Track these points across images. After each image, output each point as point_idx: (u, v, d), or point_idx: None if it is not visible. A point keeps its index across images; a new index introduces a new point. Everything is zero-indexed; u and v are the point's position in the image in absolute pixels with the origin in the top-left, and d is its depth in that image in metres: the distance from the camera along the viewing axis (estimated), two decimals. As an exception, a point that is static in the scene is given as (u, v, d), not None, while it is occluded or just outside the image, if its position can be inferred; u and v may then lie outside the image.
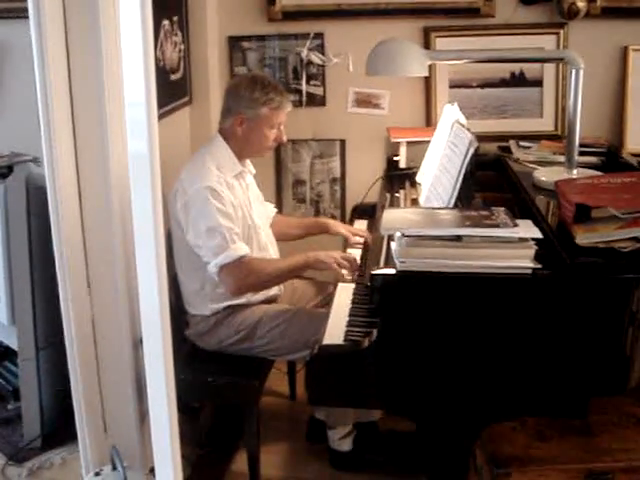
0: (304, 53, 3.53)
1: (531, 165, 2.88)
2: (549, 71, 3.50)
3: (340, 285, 2.57)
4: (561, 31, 3.41)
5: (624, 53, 3.43)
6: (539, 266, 1.93)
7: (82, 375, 2.29)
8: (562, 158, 2.68)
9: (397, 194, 3.08)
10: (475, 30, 3.44)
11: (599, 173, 2.54)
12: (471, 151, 2.33)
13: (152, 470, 1.95)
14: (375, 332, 2.02)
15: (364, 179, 3.43)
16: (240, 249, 2.56)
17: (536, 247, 1.93)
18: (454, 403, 2.06)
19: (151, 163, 1.61)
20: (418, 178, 3.06)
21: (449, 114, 2.90)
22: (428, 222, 2.09)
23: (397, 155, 3.43)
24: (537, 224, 2.04)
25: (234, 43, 3.58)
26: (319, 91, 3.60)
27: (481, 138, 2.43)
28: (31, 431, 2.57)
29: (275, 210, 3.13)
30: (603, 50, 3.43)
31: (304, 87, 3.59)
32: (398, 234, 2.00)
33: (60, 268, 2.17)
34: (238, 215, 2.65)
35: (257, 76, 2.81)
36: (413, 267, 1.97)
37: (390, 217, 2.16)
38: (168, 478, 1.78)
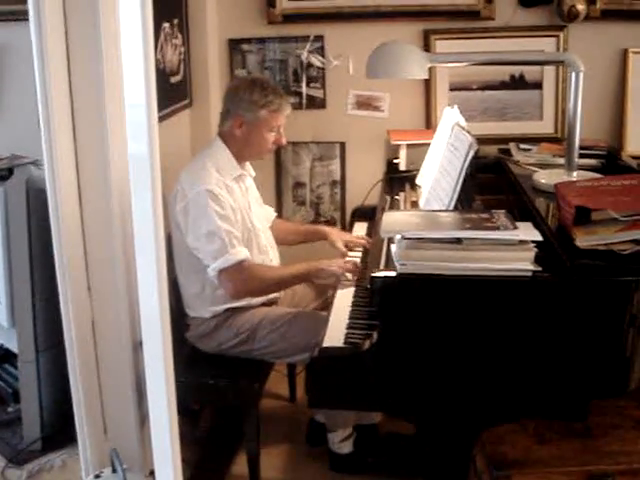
0: (304, 56, 3.53)
1: (531, 167, 2.88)
2: (549, 74, 3.50)
3: (339, 291, 2.57)
4: (561, 34, 3.42)
5: (624, 56, 3.43)
6: (539, 268, 1.93)
7: (82, 377, 2.29)
8: (562, 160, 2.69)
9: (397, 197, 3.08)
10: (475, 33, 3.45)
11: (599, 175, 2.54)
12: (471, 153, 2.34)
13: (152, 472, 1.95)
14: (375, 335, 2.02)
15: (364, 182, 3.44)
16: (239, 253, 2.56)
17: (536, 249, 1.93)
18: (454, 405, 2.06)
19: (151, 165, 1.61)
20: (418, 181, 3.06)
21: (449, 117, 2.90)
22: (428, 225, 2.09)
23: (397, 158, 3.44)
24: (537, 226, 2.04)
25: (234, 46, 3.58)
26: (319, 93, 3.61)
27: (481, 141, 2.44)
28: (31, 433, 2.57)
29: (275, 214, 3.13)
30: (603, 53, 3.43)
31: (304, 89, 3.59)
32: (398, 237, 2.00)
33: (60, 270, 2.17)
34: (237, 218, 2.65)
35: (256, 79, 2.81)
36: (413, 270, 1.97)
37: (390, 220, 2.16)
38: (168, 480, 1.78)
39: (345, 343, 2.15)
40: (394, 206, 2.99)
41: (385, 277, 2.02)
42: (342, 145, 3.67)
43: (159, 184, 1.64)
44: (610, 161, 2.92)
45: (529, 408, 2.07)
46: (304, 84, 3.58)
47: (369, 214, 3.29)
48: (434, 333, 1.99)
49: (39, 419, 2.56)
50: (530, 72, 3.51)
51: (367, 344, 2.04)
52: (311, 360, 2.07)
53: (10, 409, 2.73)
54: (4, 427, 2.68)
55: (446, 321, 1.98)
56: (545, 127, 3.55)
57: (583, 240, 1.94)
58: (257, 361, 2.72)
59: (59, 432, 2.59)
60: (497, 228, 1.99)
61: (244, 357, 2.71)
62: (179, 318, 2.76)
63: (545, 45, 3.43)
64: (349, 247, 3.02)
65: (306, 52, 3.52)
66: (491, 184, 2.90)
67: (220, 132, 2.77)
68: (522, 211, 2.37)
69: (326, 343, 2.15)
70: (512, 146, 3.21)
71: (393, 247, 2.06)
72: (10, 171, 2.54)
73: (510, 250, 1.94)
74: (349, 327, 2.25)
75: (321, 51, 3.54)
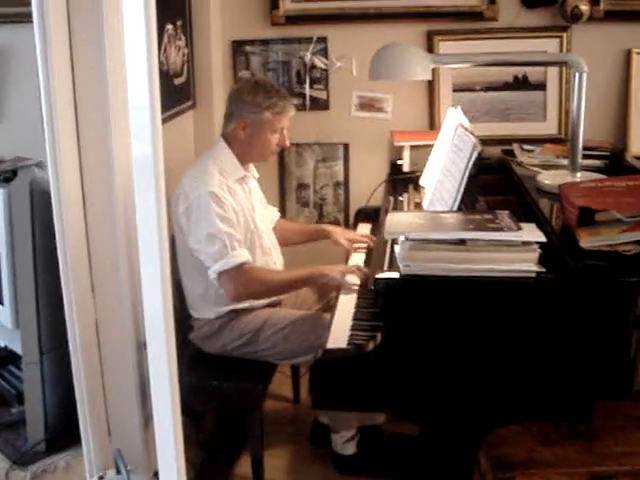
0: (307, 57, 3.54)
1: (535, 168, 2.87)
2: (552, 74, 3.50)
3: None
4: (564, 34, 3.41)
5: (627, 56, 3.43)
6: (543, 269, 1.93)
7: (86, 379, 2.28)
8: (566, 161, 2.68)
9: (401, 198, 3.08)
10: (478, 34, 3.45)
11: (603, 176, 2.54)
12: (475, 154, 2.34)
13: (156, 474, 1.95)
14: (379, 336, 2.02)
15: (368, 183, 3.43)
16: (240, 256, 2.55)
17: (540, 250, 1.93)
18: (458, 406, 2.06)
19: (155, 167, 1.61)
20: (422, 182, 3.06)
21: (452, 118, 2.90)
22: (432, 226, 2.09)
23: (401, 159, 3.44)
24: (541, 227, 2.04)
25: (237, 47, 3.59)
26: (322, 95, 3.61)
27: (485, 142, 2.43)
28: (35, 435, 2.57)
29: (278, 215, 3.14)
30: (606, 53, 3.43)
31: (307, 91, 3.59)
32: (402, 238, 2.00)
33: (64, 272, 2.17)
34: (240, 220, 2.65)
35: (260, 80, 2.81)
36: (417, 271, 1.97)
37: (394, 221, 2.16)
38: (172, 482, 1.78)
39: (349, 344, 2.15)
40: (398, 207, 2.99)
41: (389, 278, 2.02)
42: (345, 146, 3.68)
43: (163, 186, 1.64)
44: (614, 162, 2.91)
45: (533, 409, 2.07)
46: (307, 85, 3.59)
47: (373, 215, 3.29)
48: (438, 334, 1.99)
49: (43, 420, 2.55)
50: (533, 73, 3.50)
51: (371, 345, 2.04)
52: (315, 361, 2.07)
53: (14, 410, 2.72)
54: (8, 429, 2.67)
55: (450, 322, 1.98)
56: (549, 128, 3.55)
57: (587, 241, 1.94)
58: (261, 362, 2.72)
59: (63, 433, 2.58)
60: (501, 229, 1.99)
61: (248, 358, 2.71)
62: (183, 319, 2.76)
63: (548, 46, 3.43)
64: (352, 245, 3.03)
65: (309, 53, 3.53)
66: (495, 185, 2.90)
67: (223, 134, 2.77)
68: (526, 212, 2.37)
69: (330, 344, 2.15)
70: (515, 147, 3.21)
71: (397, 248, 2.06)
72: (14, 173, 2.54)
73: (514, 251, 1.94)
74: (353, 328, 2.25)
75: (324, 52, 3.54)
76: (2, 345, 2.73)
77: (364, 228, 3.29)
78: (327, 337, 2.21)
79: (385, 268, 2.24)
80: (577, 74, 2.48)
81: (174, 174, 2.52)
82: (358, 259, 2.95)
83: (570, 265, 1.93)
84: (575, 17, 3.31)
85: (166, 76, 3.01)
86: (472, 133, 2.48)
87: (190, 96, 3.40)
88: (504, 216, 2.10)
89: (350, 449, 2.87)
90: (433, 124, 3.56)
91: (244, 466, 2.89)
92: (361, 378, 2.05)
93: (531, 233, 1.98)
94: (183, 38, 3.23)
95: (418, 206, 2.89)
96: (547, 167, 2.87)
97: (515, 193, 2.70)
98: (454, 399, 2.05)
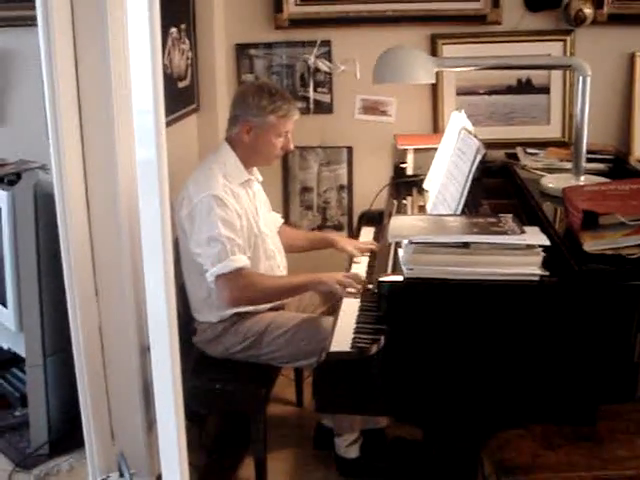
0: (311, 60, 3.53)
1: (538, 172, 2.87)
2: (556, 78, 3.50)
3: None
4: (568, 38, 3.41)
5: (631, 60, 3.43)
6: (547, 273, 1.92)
7: (89, 382, 2.28)
8: (569, 165, 2.68)
9: (404, 201, 3.08)
10: (482, 37, 3.45)
11: (607, 180, 2.54)
12: (478, 158, 2.33)
13: (159, 477, 1.95)
14: (382, 339, 2.02)
15: (371, 186, 3.43)
16: (239, 261, 2.55)
17: (544, 254, 1.93)
18: (462, 410, 2.06)
19: (159, 170, 1.61)
20: (425, 185, 3.06)
21: (456, 121, 2.90)
22: (435, 229, 2.09)
23: (404, 162, 3.44)
24: (544, 231, 2.04)
25: (241, 50, 3.59)
26: (326, 98, 3.61)
27: (488, 145, 2.43)
28: (38, 438, 2.57)
29: (282, 221, 3.13)
30: (610, 57, 3.43)
31: (311, 94, 3.59)
32: (405, 241, 2.00)
33: (68, 275, 2.18)
34: (243, 224, 2.65)
35: (264, 84, 2.82)
36: (421, 274, 1.97)
37: (397, 224, 2.16)
38: (175, 485, 1.78)
39: (352, 348, 2.16)
40: (401, 211, 2.99)
41: (392, 282, 2.02)
42: (349, 150, 3.68)
43: (167, 189, 1.64)
44: (618, 165, 2.91)
45: (537, 413, 2.07)
46: (311, 89, 3.59)
47: (376, 219, 3.29)
48: (441, 338, 1.99)
49: (46, 423, 2.55)
50: (537, 76, 3.50)
51: (374, 349, 2.04)
52: (318, 365, 2.07)
53: (17, 413, 2.72)
54: (11, 431, 2.67)
55: (453, 326, 1.98)
56: (552, 131, 3.55)
57: (591, 244, 1.94)
58: (264, 366, 2.72)
59: (66, 436, 2.58)
60: (504, 232, 1.99)
61: (251, 362, 2.71)
62: (186, 323, 2.76)
63: (552, 49, 3.43)
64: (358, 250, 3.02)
65: (313, 57, 3.53)
66: (498, 188, 2.90)
67: (228, 137, 2.77)
68: (529, 215, 2.36)
69: (333, 348, 2.15)
70: (519, 150, 3.21)
71: (400, 252, 2.06)
72: (18, 176, 2.55)
73: (517, 255, 1.94)
74: (356, 332, 2.25)
75: (328, 56, 3.54)
76: (6, 348, 2.74)
77: (368, 232, 3.29)
78: (330, 340, 2.21)
79: (389, 271, 2.24)
80: (581, 77, 2.48)
81: (178, 177, 2.52)
82: (362, 263, 2.94)
83: (574, 269, 1.93)
84: (579, 20, 3.31)
85: (170, 79, 3.02)
86: (476, 136, 2.48)
87: (194, 99, 3.40)
88: (508, 219, 2.09)
89: (353, 452, 2.87)
90: (437, 127, 3.56)
91: (247, 469, 2.89)
92: (364, 381, 2.05)
93: (535, 237, 1.98)
94: (187, 41, 3.23)
95: (422, 209, 2.89)
96: (551, 170, 2.87)
97: (519, 196, 2.70)
98: (457, 402, 2.05)
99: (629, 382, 1.97)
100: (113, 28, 2.03)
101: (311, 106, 3.60)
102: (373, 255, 2.95)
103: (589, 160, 2.65)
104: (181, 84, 3.20)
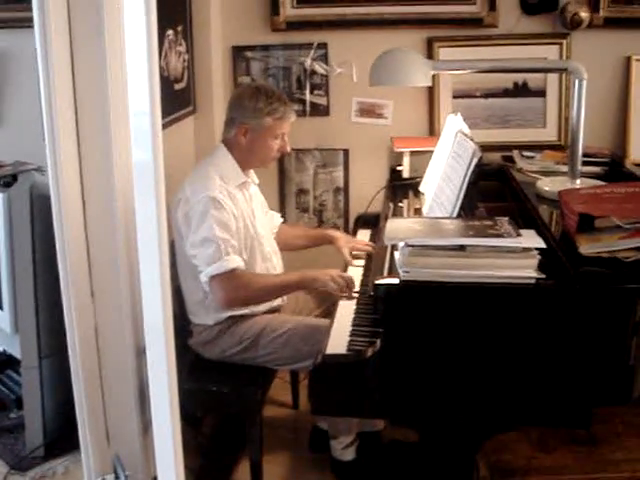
0: (308, 63, 3.54)
1: (534, 175, 2.88)
2: (552, 81, 3.51)
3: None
4: (564, 41, 3.42)
5: (627, 63, 3.44)
6: (543, 276, 1.93)
7: (85, 384, 2.28)
8: (565, 168, 2.69)
9: (400, 204, 3.08)
10: (478, 40, 3.45)
11: (602, 183, 2.54)
12: (474, 161, 2.34)
13: (155, 479, 1.95)
14: (378, 342, 2.02)
15: (367, 189, 3.43)
16: (233, 261, 2.55)
17: (540, 257, 1.93)
18: (457, 413, 2.06)
19: (155, 172, 1.61)
20: (421, 188, 3.06)
21: (452, 124, 2.90)
22: (432, 232, 2.09)
23: (400, 165, 3.44)
24: (540, 234, 2.04)
25: (238, 53, 3.59)
26: (323, 101, 3.61)
27: (484, 148, 2.44)
28: (34, 440, 2.56)
29: (281, 219, 3.13)
30: (606, 60, 3.44)
31: (308, 97, 3.59)
32: (402, 244, 2.00)
33: (64, 277, 2.17)
34: (239, 226, 2.65)
35: (261, 86, 2.81)
36: (417, 277, 1.97)
37: (394, 227, 2.16)
38: (171, 487, 1.78)
39: (348, 350, 2.15)
40: (397, 213, 2.99)
41: (388, 284, 2.02)
42: (345, 152, 3.68)
43: (163, 191, 1.64)
44: (613, 168, 2.92)
45: (533, 416, 2.07)
46: (308, 91, 3.59)
47: (372, 221, 3.29)
48: (437, 340, 1.99)
49: (42, 425, 2.55)
50: (533, 80, 3.51)
51: (370, 351, 2.04)
52: (314, 367, 2.07)
53: (13, 415, 2.72)
54: (7, 433, 2.67)
55: (449, 328, 1.98)
56: (548, 134, 3.55)
57: (587, 247, 1.94)
58: (260, 368, 2.72)
59: (62, 438, 2.58)
60: (500, 235, 1.99)
61: (247, 364, 2.70)
62: (182, 325, 2.76)
63: (548, 53, 3.44)
64: (354, 255, 3.02)
65: (310, 59, 3.53)
66: (494, 191, 2.91)
67: (224, 139, 2.77)
68: (525, 218, 2.37)
69: (329, 350, 2.15)
70: (515, 153, 3.21)
71: (397, 254, 2.06)
72: (14, 177, 2.55)
73: (513, 257, 1.94)
74: (352, 334, 2.25)
75: (325, 58, 3.54)
76: (1, 349, 2.73)
77: (364, 234, 3.29)
78: (326, 343, 2.20)
79: (385, 274, 2.24)
80: (577, 81, 2.49)
81: (174, 180, 2.52)
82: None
83: (570, 272, 1.93)
84: (575, 24, 3.32)
85: (166, 81, 3.01)
86: (472, 139, 2.48)
87: (190, 101, 3.40)
88: (504, 222, 2.10)
89: (349, 455, 2.87)
90: (433, 130, 3.57)
91: (243, 472, 2.88)
92: (360, 384, 2.05)
93: (531, 239, 1.98)
94: (184, 44, 3.23)
95: (418, 212, 2.89)
96: (547, 173, 2.87)
97: (515, 199, 2.70)
98: (453, 405, 2.05)
99: (624, 385, 1.97)
100: (110, 30, 2.03)
101: (307, 108, 3.61)
102: (369, 258, 2.95)
103: (585, 163, 2.65)
104: (177, 86, 3.20)
